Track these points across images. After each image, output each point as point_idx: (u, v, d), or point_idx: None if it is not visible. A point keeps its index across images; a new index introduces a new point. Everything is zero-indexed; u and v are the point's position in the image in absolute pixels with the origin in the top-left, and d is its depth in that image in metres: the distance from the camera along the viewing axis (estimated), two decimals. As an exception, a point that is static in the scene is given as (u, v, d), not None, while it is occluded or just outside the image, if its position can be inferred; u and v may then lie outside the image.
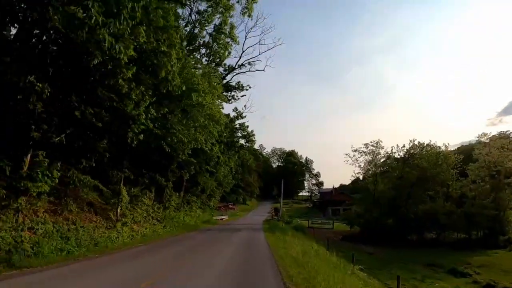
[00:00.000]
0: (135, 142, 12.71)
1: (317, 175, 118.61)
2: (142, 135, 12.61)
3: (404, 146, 33.21)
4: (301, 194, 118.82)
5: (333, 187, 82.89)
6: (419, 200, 35.20)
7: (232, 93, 33.27)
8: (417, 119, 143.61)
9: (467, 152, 39.22)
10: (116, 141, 13.19)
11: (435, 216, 32.25)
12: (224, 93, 33.09)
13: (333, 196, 77.76)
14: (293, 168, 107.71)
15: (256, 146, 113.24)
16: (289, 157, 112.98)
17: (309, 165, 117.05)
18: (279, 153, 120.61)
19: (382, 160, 33.82)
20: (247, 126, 35.98)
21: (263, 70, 34.06)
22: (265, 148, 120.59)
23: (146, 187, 22.87)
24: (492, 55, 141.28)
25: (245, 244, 14.07)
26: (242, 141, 35.67)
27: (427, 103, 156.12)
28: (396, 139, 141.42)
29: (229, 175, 45.58)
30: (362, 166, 34.49)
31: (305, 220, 48.64)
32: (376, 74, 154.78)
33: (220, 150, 25.59)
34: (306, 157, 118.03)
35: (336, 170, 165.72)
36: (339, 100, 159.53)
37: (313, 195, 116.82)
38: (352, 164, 35.64)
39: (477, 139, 37.27)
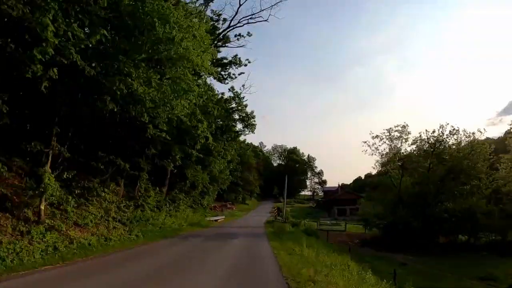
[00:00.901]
0: (44, 83, 7.11)
1: (320, 173, 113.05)
2: (55, 69, 6.99)
3: (434, 131, 27.46)
4: (302, 193, 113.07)
5: (339, 185, 77.37)
6: (450, 196, 29.69)
7: (229, 70, 27.51)
8: (417, 118, 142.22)
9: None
10: (17, 85, 7.58)
11: (474, 216, 26.70)
12: (218, 69, 27.44)
13: (339, 195, 72.19)
14: (295, 166, 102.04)
15: (256, 143, 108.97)
16: (291, 154, 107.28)
17: (312, 163, 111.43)
18: (280, 151, 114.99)
19: (410, 149, 27.93)
20: (246, 106, 28.59)
21: (267, 20, 28.26)
22: (265, 146, 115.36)
23: (112, 177, 17.27)
24: (493, 55, 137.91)
25: (240, 270, 7.88)
26: (239, 125, 30.20)
27: (427, 103, 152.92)
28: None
29: (226, 170, 39.90)
30: (384, 155, 28.59)
31: (311, 220, 43.15)
32: (376, 74, 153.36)
33: (210, 132, 20.00)
34: (309, 155, 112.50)
35: (336, 170, 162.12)
36: (339, 99, 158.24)
37: (315, 194, 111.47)
38: (372, 154, 29.79)
39: (509, 126, 31.97)
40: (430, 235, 28.98)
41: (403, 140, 27.29)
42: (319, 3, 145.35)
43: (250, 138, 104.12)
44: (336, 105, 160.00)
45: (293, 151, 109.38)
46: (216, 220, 32.86)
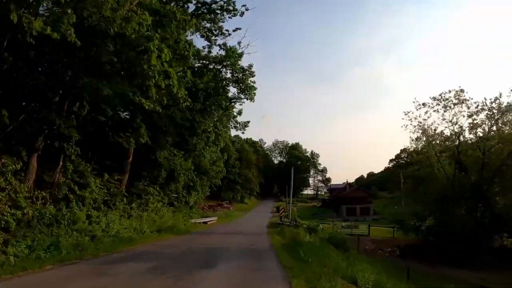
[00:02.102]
0: None
1: (323, 171, 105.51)
2: None
3: (496, 99, 19.88)
4: (305, 192, 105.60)
5: (347, 182, 70.18)
6: (507, 188, 22.49)
7: (219, 22, 19.82)
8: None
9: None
10: None
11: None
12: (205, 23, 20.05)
13: (347, 193, 65.03)
14: (297, 163, 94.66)
15: (255, 139, 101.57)
16: (293, 150, 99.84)
17: (315, 160, 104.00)
18: (281, 147, 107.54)
19: (466, 123, 20.04)
20: (241, 55, 18.05)
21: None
22: (265, 143, 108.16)
23: (9, 148, 10.20)
24: (493, 55, 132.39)
25: None
26: (233, 90, 19.90)
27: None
28: (395, 138, 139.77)
29: (220, 161, 32.63)
30: (431, 130, 20.60)
31: (318, 221, 36.20)
32: (376, 73, 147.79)
33: (186, 86, 12.59)
34: (312, 151, 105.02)
35: (336, 169, 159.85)
36: (338, 99, 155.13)
37: (319, 193, 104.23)
38: (414, 132, 21.72)
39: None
40: (484, 240, 21.89)
41: (463, 108, 19.23)
42: (319, 3, 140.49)
43: (250, 135, 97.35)
44: (336, 105, 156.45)
45: (295, 147, 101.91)
46: (205, 223, 25.62)
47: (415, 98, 21.08)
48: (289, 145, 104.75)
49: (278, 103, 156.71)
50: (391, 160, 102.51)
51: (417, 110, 20.48)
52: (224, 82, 17.59)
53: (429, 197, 21.54)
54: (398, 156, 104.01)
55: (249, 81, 17.33)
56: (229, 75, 17.50)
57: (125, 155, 16.34)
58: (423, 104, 19.82)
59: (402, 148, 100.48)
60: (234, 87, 17.83)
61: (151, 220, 16.29)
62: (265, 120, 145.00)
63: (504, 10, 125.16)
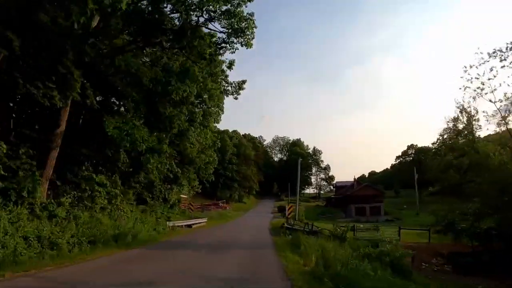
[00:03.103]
0: None
1: (326, 169, 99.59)
2: None
3: None
4: (307, 191, 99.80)
5: (355, 178, 64.21)
6: None
7: None
8: (417, 118, 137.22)
9: None
10: None
11: None
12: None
13: (355, 191, 59.11)
14: (298, 160, 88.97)
15: (254, 135, 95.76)
16: (294, 147, 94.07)
17: (317, 157, 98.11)
18: (282, 143, 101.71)
19: None
20: None
21: None
22: (265, 140, 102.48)
23: None
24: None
25: None
26: (221, 30, 12.47)
27: (427, 102, 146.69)
28: (394, 138, 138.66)
29: (210, 150, 26.74)
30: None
31: (325, 222, 30.62)
32: (375, 74, 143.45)
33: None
34: (314, 147, 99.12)
35: (336, 169, 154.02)
36: (337, 99, 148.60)
37: (321, 191, 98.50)
38: (475, 97, 15.18)
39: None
40: None
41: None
42: (318, 3, 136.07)
43: (248, 132, 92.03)
44: (336, 104, 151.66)
45: (297, 143, 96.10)
46: (189, 226, 19.78)
47: (478, 48, 15.11)
48: (290, 141, 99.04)
49: (278, 103, 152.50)
50: (397, 157, 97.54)
51: (479, 65, 14.58)
52: (206, 14, 11.50)
53: (494, 190, 15.67)
54: (405, 153, 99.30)
55: (243, 12, 11.08)
56: (211, 11, 11.18)
57: (53, 121, 10.48)
58: (492, 53, 13.73)
59: (409, 144, 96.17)
60: (223, 26, 11.76)
61: (94, 224, 10.48)
62: (265, 120, 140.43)
63: (504, 10, 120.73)
